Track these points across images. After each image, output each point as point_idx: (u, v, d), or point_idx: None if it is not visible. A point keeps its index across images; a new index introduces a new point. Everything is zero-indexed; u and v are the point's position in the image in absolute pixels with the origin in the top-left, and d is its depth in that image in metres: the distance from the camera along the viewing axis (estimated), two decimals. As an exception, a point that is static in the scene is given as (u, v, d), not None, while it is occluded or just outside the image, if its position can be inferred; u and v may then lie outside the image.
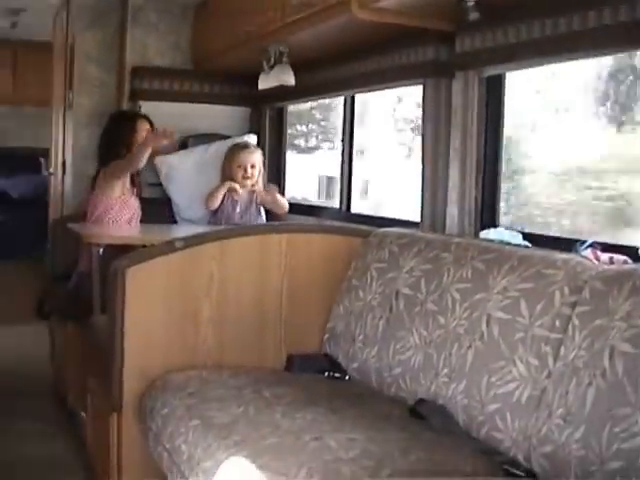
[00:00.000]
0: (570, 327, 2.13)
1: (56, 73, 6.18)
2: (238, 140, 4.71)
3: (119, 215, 4.34)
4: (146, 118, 4.47)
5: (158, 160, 4.64)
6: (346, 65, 4.12)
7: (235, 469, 2.03)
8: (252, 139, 4.86)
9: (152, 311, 2.88)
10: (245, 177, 4.47)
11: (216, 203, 4.48)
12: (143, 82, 5.06)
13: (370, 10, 3.17)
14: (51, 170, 6.26)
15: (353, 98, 4.33)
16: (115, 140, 4.43)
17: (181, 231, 4.06)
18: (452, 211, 3.24)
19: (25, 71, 8.48)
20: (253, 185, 4.53)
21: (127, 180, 4.37)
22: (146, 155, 4.18)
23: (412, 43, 3.50)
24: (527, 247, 2.69)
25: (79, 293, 4.03)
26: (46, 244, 5.43)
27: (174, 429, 2.44)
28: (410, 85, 3.70)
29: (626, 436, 1.84)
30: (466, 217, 3.17)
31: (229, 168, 4.50)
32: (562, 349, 2.13)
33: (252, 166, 4.49)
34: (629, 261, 2.45)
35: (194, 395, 2.58)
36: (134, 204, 4.41)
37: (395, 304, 2.75)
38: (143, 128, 4.39)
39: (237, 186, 4.46)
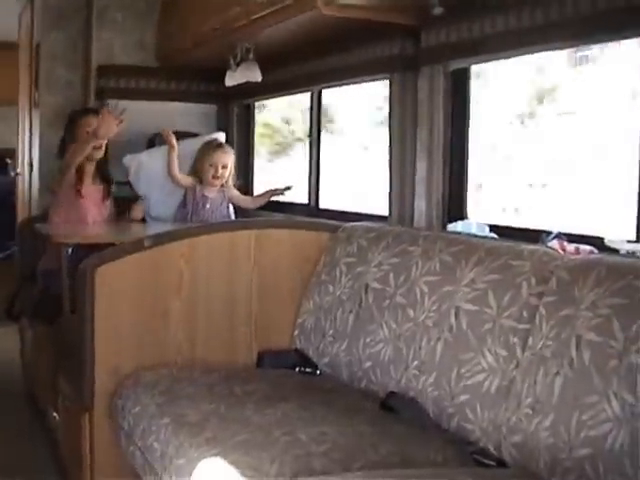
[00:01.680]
0: (537, 317, 2.15)
1: (22, 73, 6.16)
2: (210, 138, 4.69)
3: (67, 216, 4.32)
4: (93, 112, 4.42)
5: (127, 158, 4.62)
6: (313, 61, 4.12)
7: (211, 470, 2.03)
8: (220, 137, 4.85)
9: (122, 310, 2.87)
10: (215, 177, 4.46)
11: (184, 180, 4.49)
12: (109, 80, 5.04)
13: (336, 6, 3.18)
14: (18, 170, 6.24)
15: (320, 93, 4.33)
16: (63, 138, 4.42)
17: (150, 229, 4.05)
18: (420, 204, 3.25)
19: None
20: (222, 185, 4.54)
21: (72, 178, 4.33)
22: (86, 146, 4.17)
23: (378, 38, 3.51)
24: (494, 239, 2.71)
25: (48, 293, 4.01)
26: (14, 245, 5.41)
27: (146, 427, 2.44)
28: (377, 80, 3.71)
29: (593, 423, 1.86)
30: (434, 210, 3.18)
31: (200, 165, 4.49)
32: (530, 339, 2.14)
33: (223, 166, 4.48)
34: (595, 251, 2.47)
35: (165, 393, 2.58)
36: (85, 204, 4.36)
37: (364, 298, 2.76)
38: (87, 123, 4.34)
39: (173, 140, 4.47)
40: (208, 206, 4.50)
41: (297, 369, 2.88)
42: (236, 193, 4.63)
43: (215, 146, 4.54)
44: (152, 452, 2.34)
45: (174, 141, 4.47)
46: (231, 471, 1.98)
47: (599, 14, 2.51)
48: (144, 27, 5.13)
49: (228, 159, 4.51)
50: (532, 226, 2.89)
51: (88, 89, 5.02)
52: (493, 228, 2.96)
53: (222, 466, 2.01)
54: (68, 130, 4.44)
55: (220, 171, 4.46)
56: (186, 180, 4.49)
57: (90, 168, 4.38)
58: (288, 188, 4.43)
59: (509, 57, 2.99)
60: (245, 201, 4.64)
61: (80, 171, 4.34)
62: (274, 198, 4.52)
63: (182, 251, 2.95)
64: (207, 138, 4.69)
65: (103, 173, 4.43)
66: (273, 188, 4.54)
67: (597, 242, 2.55)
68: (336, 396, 2.57)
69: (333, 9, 3.20)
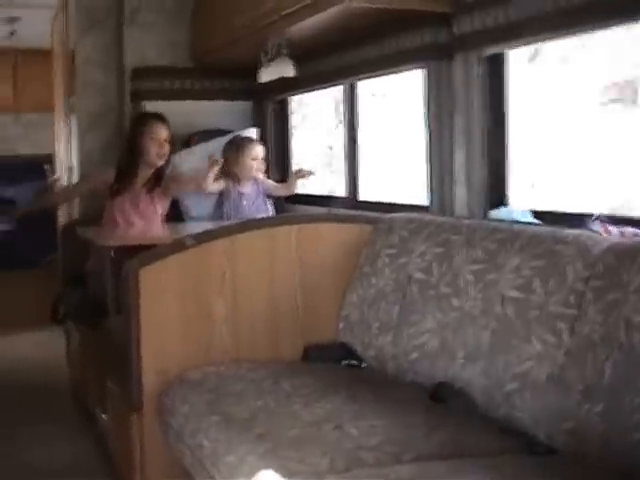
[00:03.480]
0: (584, 302, 2.13)
1: (57, 79, 6.21)
2: (235, 136, 4.70)
3: (115, 219, 4.39)
4: (159, 119, 4.44)
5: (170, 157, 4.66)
6: (347, 53, 4.10)
7: (263, 466, 2.03)
8: (254, 133, 4.86)
9: (166, 309, 2.89)
10: (258, 169, 4.51)
11: (215, 186, 4.49)
12: (143, 82, 5.05)
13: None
14: (56, 176, 6.29)
15: (354, 86, 4.31)
16: (125, 142, 4.46)
17: (191, 229, 4.06)
18: (460, 193, 3.22)
19: (25, 78, 8.50)
20: (256, 179, 4.56)
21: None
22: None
23: (410, 27, 3.48)
24: (537, 225, 2.69)
25: (92, 295, 4.04)
26: (56, 250, 5.45)
27: (195, 426, 2.45)
28: (411, 69, 3.67)
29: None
30: (474, 198, 3.15)
31: (238, 162, 4.50)
32: (577, 325, 2.13)
33: (263, 158, 4.55)
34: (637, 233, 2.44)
35: (213, 391, 2.59)
36: (133, 208, 4.41)
37: (408, 289, 2.75)
38: (150, 131, 4.37)
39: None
40: (245, 202, 4.51)
41: (343, 363, 2.88)
42: (271, 183, 4.66)
43: (247, 142, 4.56)
44: (202, 450, 2.35)
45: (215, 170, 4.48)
46: (283, 467, 1.97)
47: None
48: (176, 27, 5.14)
49: (262, 151, 4.56)
50: (574, 210, 2.86)
51: (123, 92, 5.05)
52: (535, 213, 2.93)
53: (274, 462, 2.00)
54: (130, 134, 4.48)
55: (255, 164, 4.50)
56: (219, 185, 4.49)
57: (146, 174, 4.41)
58: (311, 173, 4.45)
59: (544, 40, 2.95)
60: (280, 189, 4.65)
61: (132, 176, 4.38)
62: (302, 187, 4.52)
63: (224, 249, 2.96)
64: (230, 137, 4.70)
65: (158, 177, 4.45)
66: (298, 169, 4.58)
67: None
68: (384, 388, 2.56)
69: (363, 0, 3.18)
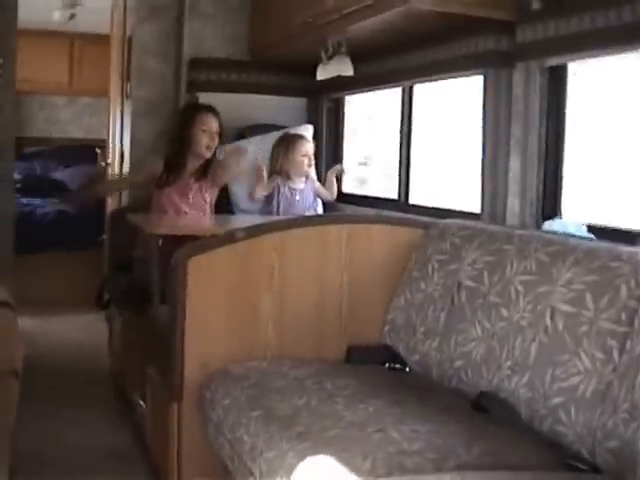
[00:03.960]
0: (636, 321, 2.10)
1: (114, 65, 6.24)
2: (286, 133, 4.71)
3: (163, 207, 4.41)
4: (211, 111, 4.47)
5: (218, 151, 4.67)
6: (405, 55, 4.09)
7: (305, 464, 2.02)
8: (308, 130, 4.87)
9: (213, 301, 2.89)
10: (309, 165, 4.52)
11: (263, 192, 4.52)
12: (200, 73, 5.08)
13: (430, 0, 3.15)
14: (108, 161, 6.33)
15: (411, 89, 4.30)
16: (175, 132, 4.47)
17: (240, 221, 4.07)
18: (513, 202, 3.20)
19: (82, 62, 8.57)
20: (307, 176, 4.58)
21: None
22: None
23: (472, 33, 3.46)
24: (591, 239, 2.66)
25: (138, 282, 4.07)
26: (104, 235, 5.49)
27: (236, 420, 2.45)
28: (470, 75, 3.66)
29: None
30: (527, 208, 3.13)
31: (289, 159, 4.51)
32: (628, 343, 2.10)
33: (309, 156, 4.55)
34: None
35: (255, 386, 2.59)
36: (182, 200, 4.43)
37: (457, 296, 2.73)
38: (202, 122, 4.39)
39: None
40: (298, 198, 4.53)
41: (386, 365, 2.87)
42: (318, 185, 4.67)
43: (298, 138, 4.57)
44: (241, 444, 2.35)
45: (265, 175, 4.50)
46: (324, 466, 1.97)
47: None
48: (236, 20, 5.16)
49: (308, 149, 4.56)
50: (629, 227, 2.83)
51: (179, 82, 5.06)
52: (590, 228, 2.90)
53: (316, 461, 2.00)
54: (180, 122, 4.49)
55: (306, 161, 4.51)
56: (269, 186, 4.51)
57: (194, 165, 4.44)
58: (343, 171, 4.53)
59: (609, 54, 2.92)
60: (325, 193, 4.67)
61: (181, 167, 4.40)
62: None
63: (274, 244, 2.96)
64: (281, 133, 4.70)
65: (207, 168, 4.47)
66: (332, 169, 4.65)
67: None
68: (427, 394, 2.55)
69: (427, 3, 3.18)
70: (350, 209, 4.72)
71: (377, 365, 2.87)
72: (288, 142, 4.56)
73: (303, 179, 4.57)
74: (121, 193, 5.38)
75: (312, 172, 4.65)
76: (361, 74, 4.31)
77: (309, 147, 4.57)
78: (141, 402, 3.66)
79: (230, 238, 2.93)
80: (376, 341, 3.02)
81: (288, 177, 4.53)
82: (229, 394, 2.61)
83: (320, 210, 4.67)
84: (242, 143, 4.79)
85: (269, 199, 4.56)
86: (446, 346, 2.70)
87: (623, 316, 2.15)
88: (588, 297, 2.25)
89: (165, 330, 3.02)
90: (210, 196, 4.47)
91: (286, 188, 4.52)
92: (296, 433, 2.18)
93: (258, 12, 5.05)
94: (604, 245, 2.38)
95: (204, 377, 2.81)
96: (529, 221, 3.12)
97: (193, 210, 4.39)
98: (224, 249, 2.91)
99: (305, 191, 4.57)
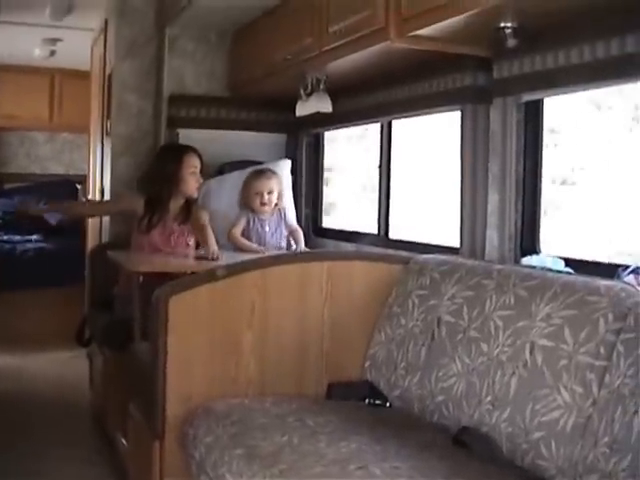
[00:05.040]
0: (615, 354, 2.12)
1: (94, 102, 6.26)
2: (254, 168, 4.72)
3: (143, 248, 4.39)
4: (195, 151, 4.48)
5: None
6: (384, 91, 4.13)
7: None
8: (285, 165, 4.88)
9: (194, 339, 2.89)
10: (263, 203, 4.49)
11: (237, 232, 4.52)
12: (180, 110, 5.10)
13: (407, 38, 3.17)
14: (89, 197, 6.33)
15: (390, 124, 4.34)
16: (159, 173, 4.44)
17: (221, 259, 4.07)
18: (492, 237, 3.23)
19: (62, 98, 8.57)
20: (277, 205, 4.56)
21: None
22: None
23: (449, 69, 3.50)
24: (569, 274, 2.68)
25: (118, 319, 4.06)
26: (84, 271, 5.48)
27: (218, 458, 2.45)
28: (447, 111, 3.70)
29: None
30: (506, 243, 3.16)
31: (247, 195, 4.53)
32: (607, 376, 2.12)
33: (269, 192, 4.51)
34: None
35: (237, 423, 2.59)
36: (163, 242, 4.42)
37: (437, 331, 2.75)
38: (190, 163, 4.40)
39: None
40: (267, 228, 4.52)
41: (367, 401, 2.87)
42: (290, 221, 4.64)
43: (256, 174, 4.56)
44: (224, 483, 2.35)
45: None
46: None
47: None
48: (215, 57, 5.20)
49: (273, 184, 4.53)
50: (606, 259, 2.86)
51: (159, 118, 5.09)
52: (568, 262, 2.92)
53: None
54: (166, 162, 4.47)
55: (266, 197, 4.49)
56: (240, 226, 4.51)
57: (177, 205, 4.43)
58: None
59: (583, 90, 2.96)
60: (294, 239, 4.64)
61: (165, 208, 4.40)
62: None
63: (254, 281, 2.97)
64: (252, 169, 4.71)
65: (189, 208, 4.47)
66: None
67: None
68: (408, 430, 2.55)
69: (405, 41, 3.20)
70: (331, 244, 4.74)
71: (358, 401, 2.87)
72: (246, 179, 4.58)
73: (272, 212, 4.55)
74: (101, 228, 5.38)
75: (287, 205, 4.65)
76: (340, 110, 4.34)
77: (262, 184, 4.51)
78: (123, 440, 3.64)
79: (211, 276, 2.94)
80: (357, 377, 3.02)
81: (252, 210, 4.53)
82: (211, 432, 2.60)
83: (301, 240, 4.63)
84: (221, 179, 4.82)
85: (244, 232, 4.55)
86: (427, 381, 2.71)
87: (602, 350, 2.17)
88: (566, 331, 2.27)
89: (146, 367, 3.01)
90: (193, 239, 4.46)
91: (255, 222, 4.53)
92: (278, 471, 2.18)
93: (237, 49, 5.09)
94: (581, 279, 2.40)
95: (186, 414, 2.81)
96: (508, 256, 3.15)
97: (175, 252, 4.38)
98: (205, 287, 2.91)
99: (274, 221, 4.56)
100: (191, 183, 4.39)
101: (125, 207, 4.52)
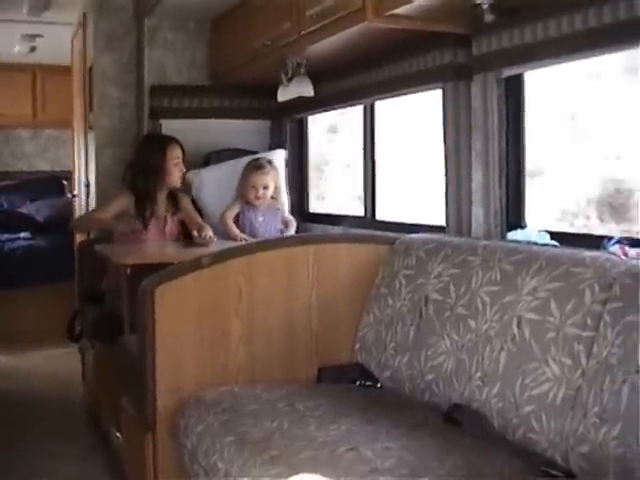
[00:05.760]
0: (602, 324, 2.12)
1: (76, 96, 6.24)
2: (257, 157, 4.70)
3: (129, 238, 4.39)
4: (176, 142, 4.46)
5: (190, 174, 4.67)
6: (365, 73, 4.11)
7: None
8: (279, 155, 4.85)
9: (182, 329, 2.88)
10: (257, 197, 4.47)
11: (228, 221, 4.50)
12: (162, 100, 5.07)
13: (385, 17, 3.15)
14: (75, 192, 6.31)
15: (373, 106, 4.32)
16: (144, 166, 4.42)
17: (214, 242, 4.06)
18: (477, 213, 3.22)
19: (44, 94, 8.54)
20: (273, 198, 4.55)
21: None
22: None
23: (429, 48, 3.48)
24: (555, 247, 2.68)
25: (108, 313, 4.05)
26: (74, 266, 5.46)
27: (209, 446, 2.44)
28: (430, 90, 3.68)
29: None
30: (492, 219, 3.15)
31: (244, 187, 4.51)
32: (595, 347, 2.12)
33: (265, 187, 4.48)
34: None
35: (228, 411, 2.58)
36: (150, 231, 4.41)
37: (425, 310, 2.74)
38: (173, 155, 4.39)
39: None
40: (261, 219, 4.51)
41: (358, 383, 2.87)
42: (285, 214, 4.64)
43: (254, 167, 4.53)
44: (216, 471, 2.34)
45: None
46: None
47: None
48: (195, 46, 5.17)
49: (268, 180, 4.50)
50: (592, 232, 2.85)
51: (142, 110, 5.06)
52: (553, 235, 2.92)
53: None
54: (150, 154, 4.44)
55: (261, 192, 4.47)
56: (233, 211, 4.50)
57: (163, 195, 4.42)
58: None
59: (563, 62, 2.94)
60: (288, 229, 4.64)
61: (154, 200, 4.38)
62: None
63: (240, 269, 2.96)
64: (250, 159, 4.69)
65: (175, 197, 4.46)
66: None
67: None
68: (399, 410, 2.55)
69: (382, 20, 3.18)
70: (319, 228, 4.72)
71: (349, 383, 2.87)
72: (244, 171, 4.55)
73: (267, 205, 4.54)
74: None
75: (282, 202, 4.65)
76: (322, 93, 4.33)
77: (258, 179, 4.48)
78: (117, 434, 3.63)
79: (196, 265, 2.93)
80: (348, 360, 3.02)
81: (247, 202, 4.52)
82: (202, 420, 2.60)
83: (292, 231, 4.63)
84: (210, 169, 4.81)
85: (237, 221, 4.54)
86: (417, 360, 2.71)
87: (588, 321, 2.16)
88: (553, 304, 2.27)
89: (136, 360, 3.00)
90: (181, 225, 4.46)
91: (249, 211, 4.51)
92: (269, 457, 2.17)
93: (217, 37, 5.06)
94: (566, 251, 2.40)
95: (177, 405, 2.80)
96: (494, 231, 3.14)
97: (162, 238, 4.38)
98: (191, 276, 2.90)
99: (269, 213, 4.55)
100: (175, 174, 4.40)
101: (119, 209, 4.45)
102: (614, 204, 3.01)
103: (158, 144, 4.48)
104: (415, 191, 4.29)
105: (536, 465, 2.12)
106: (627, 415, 1.93)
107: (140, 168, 4.41)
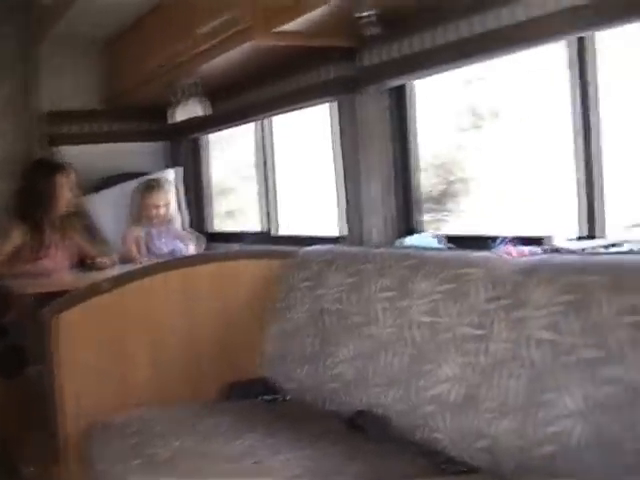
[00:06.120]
0: (494, 322, 2.17)
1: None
2: (146, 179, 4.69)
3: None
4: (65, 167, 4.42)
5: (85, 198, 4.64)
6: (259, 90, 4.13)
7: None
8: (168, 174, 4.86)
9: (85, 355, 2.86)
10: (151, 217, 4.48)
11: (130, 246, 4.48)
12: (58, 127, 5.01)
13: (272, 34, 3.19)
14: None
15: (267, 122, 4.35)
16: (31, 193, 4.36)
17: (110, 271, 4.03)
18: (372, 222, 3.27)
19: None
20: (166, 216, 4.55)
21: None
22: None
23: (318, 62, 3.53)
24: (446, 249, 2.74)
25: (11, 346, 4.00)
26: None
27: (119, 471, 2.42)
28: (320, 104, 3.73)
29: (552, 419, 1.90)
30: (386, 227, 3.20)
31: (136, 209, 4.51)
32: (489, 344, 2.17)
33: (156, 206, 4.50)
34: (541, 252, 2.50)
35: (135, 434, 2.57)
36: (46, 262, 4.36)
37: (324, 320, 2.77)
38: (62, 180, 4.34)
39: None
40: (162, 239, 4.51)
41: (264, 397, 2.88)
42: (178, 231, 4.64)
43: (143, 189, 4.54)
44: (127, 494, 2.33)
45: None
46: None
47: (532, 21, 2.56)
48: (88, 70, 5.12)
49: (158, 199, 4.51)
50: (483, 233, 2.92)
51: (35, 138, 5.00)
52: (448, 239, 2.98)
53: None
54: (39, 183, 4.36)
55: (154, 211, 4.47)
56: (132, 233, 4.48)
57: (55, 221, 4.38)
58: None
59: (446, 71, 3.02)
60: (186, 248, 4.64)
61: (45, 226, 4.33)
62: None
63: (141, 291, 2.95)
64: (141, 181, 4.68)
65: (64, 222, 4.42)
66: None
67: (544, 242, 2.59)
68: (303, 421, 2.57)
69: (268, 38, 3.21)
70: (218, 246, 4.74)
71: (255, 398, 2.88)
72: (134, 193, 4.55)
73: (162, 223, 4.54)
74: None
75: (175, 219, 4.65)
76: (219, 112, 4.35)
77: (149, 199, 4.51)
78: (28, 467, 3.58)
79: (96, 290, 2.91)
80: (254, 374, 3.02)
81: (145, 223, 4.51)
82: (111, 445, 2.58)
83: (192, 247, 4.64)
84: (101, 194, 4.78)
85: (138, 246, 4.52)
86: (319, 371, 2.73)
87: (481, 319, 2.22)
88: (445, 305, 2.32)
89: (41, 390, 2.97)
90: (75, 252, 4.43)
91: (148, 232, 4.50)
92: (177, 476, 2.18)
93: (112, 60, 5.04)
94: (455, 253, 2.47)
95: (85, 432, 2.77)
96: (389, 239, 3.19)
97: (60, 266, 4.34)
98: (91, 301, 2.88)
99: (167, 233, 4.55)
100: (65, 200, 4.34)
101: (17, 241, 4.39)
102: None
103: (45, 170, 4.43)
104: (316, 203, 4.33)
105: (439, 464, 2.16)
106: (522, 408, 1.99)
107: (28, 196, 4.35)
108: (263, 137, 4.41)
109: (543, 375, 1.96)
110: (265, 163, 4.39)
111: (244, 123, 4.57)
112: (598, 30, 2.52)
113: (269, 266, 3.14)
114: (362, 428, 2.43)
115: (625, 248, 2.44)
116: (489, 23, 2.71)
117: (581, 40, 2.64)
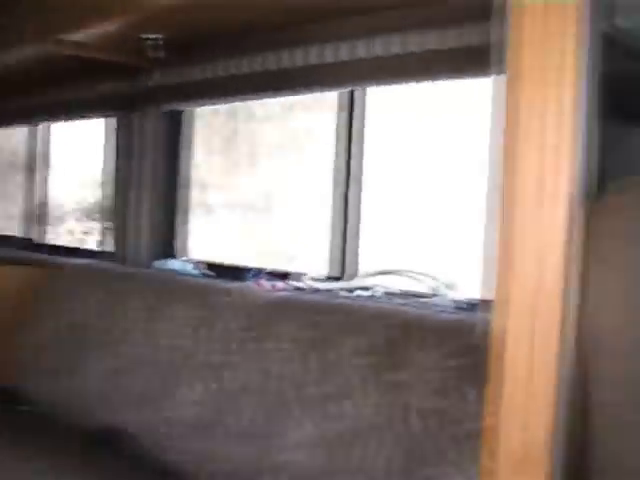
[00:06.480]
0: (243, 350, 2.26)
1: None
2: None
3: None
4: None
5: None
6: (41, 94, 4.04)
7: None
8: None
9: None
10: None
11: None
12: None
13: (52, 42, 3.11)
14: None
15: (48, 129, 4.27)
16: None
17: None
18: (137, 241, 3.27)
19: None
20: None
21: None
22: None
23: (100, 76, 3.48)
24: (204, 276, 2.81)
25: None
26: None
27: None
28: (101, 117, 3.70)
29: (286, 447, 2.00)
30: (148, 247, 3.20)
31: None
32: (233, 371, 2.25)
33: None
34: (287, 286, 2.59)
35: None
36: None
37: (77, 334, 2.78)
38: None
39: None
40: None
41: (13, 407, 2.83)
42: None
43: None
44: None
45: None
46: None
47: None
48: None
49: None
50: (241, 264, 2.99)
51: None
52: (208, 266, 3.04)
53: None
54: None
55: None
56: None
57: None
58: None
59: (216, 104, 3.10)
60: None
61: None
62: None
63: None
64: None
65: None
66: None
67: (293, 278, 2.69)
68: (47, 435, 2.56)
69: (45, 44, 3.11)
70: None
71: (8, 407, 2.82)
72: None
73: None
74: None
75: None
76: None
77: None
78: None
79: None
80: (9, 383, 2.95)
81: None
82: None
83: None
84: None
85: None
86: (69, 384, 2.73)
87: (229, 347, 2.30)
88: (195, 331, 2.39)
89: None
90: None
91: None
92: None
93: None
94: (209, 281, 2.55)
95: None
96: (149, 260, 3.20)
97: None
98: None
99: None
100: None
101: None
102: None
103: None
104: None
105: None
106: (261, 434, 2.08)
107: None
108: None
109: (282, 406, 2.06)
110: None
111: (19, 126, 4.45)
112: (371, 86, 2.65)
113: (30, 274, 3.10)
114: (109, 444, 2.44)
115: (370, 292, 2.57)
116: (269, 64, 2.79)
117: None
